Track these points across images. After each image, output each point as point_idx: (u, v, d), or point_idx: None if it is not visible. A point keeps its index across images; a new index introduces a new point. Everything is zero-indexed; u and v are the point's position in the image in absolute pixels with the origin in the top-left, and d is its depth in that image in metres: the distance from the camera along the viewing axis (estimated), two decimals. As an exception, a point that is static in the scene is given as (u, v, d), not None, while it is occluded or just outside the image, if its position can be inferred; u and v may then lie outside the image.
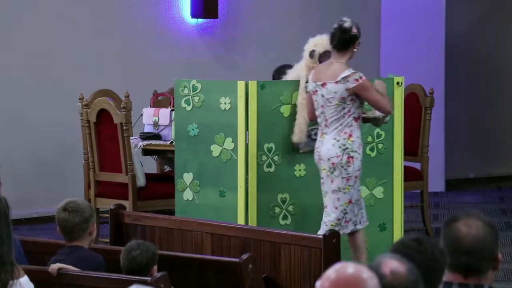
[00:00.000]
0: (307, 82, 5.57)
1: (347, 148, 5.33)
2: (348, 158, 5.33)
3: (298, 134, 5.60)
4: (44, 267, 4.37)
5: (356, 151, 5.35)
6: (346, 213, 5.39)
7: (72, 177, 7.74)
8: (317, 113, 5.44)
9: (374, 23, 8.94)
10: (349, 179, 5.34)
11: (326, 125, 5.38)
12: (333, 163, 5.34)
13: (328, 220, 5.38)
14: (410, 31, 8.80)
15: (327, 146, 5.35)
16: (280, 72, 6.44)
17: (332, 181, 5.36)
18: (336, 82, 5.34)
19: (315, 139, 5.64)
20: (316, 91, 5.43)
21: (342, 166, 5.32)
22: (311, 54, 5.63)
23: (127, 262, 4.23)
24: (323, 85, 5.39)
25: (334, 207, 5.37)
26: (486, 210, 8.26)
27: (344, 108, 5.34)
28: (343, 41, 5.37)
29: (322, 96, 5.40)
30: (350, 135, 5.33)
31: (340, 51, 5.38)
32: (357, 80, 5.33)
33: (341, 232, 5.01)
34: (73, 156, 7.72)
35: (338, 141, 5.33)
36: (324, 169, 5.38)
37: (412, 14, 8.69)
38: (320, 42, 5.63)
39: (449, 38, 9.00)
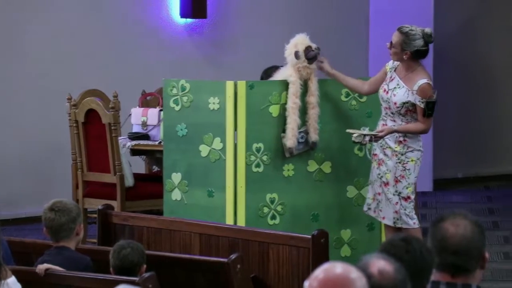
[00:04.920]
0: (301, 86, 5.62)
1: None
2: None
3: (292, 139, 5.62)
4: (31, 267, 4.36)
5: None
6: None
7: (60, 177, 7.72)
8: None
9: (362, 23, 8.96)
10: None
11: None
12: None
13: None
14: (399, 31, 8.80)
15: None
16: (268, 73, 6.44)
17: None
18: None
19: (302, 142, 5.66)
20: None
21: None
22: (296, 56, 5.64)
23: (118, 261, 4.22)
24: None
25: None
26: (473, 209, 8.28)
27: None
28: None
29: None
30: None
31: None
32: None
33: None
34: (61, 156, 7.70)
35: None
36: None
37: (400, 14, 8.70)
38: (299, 40, 5.66)
39: (437, 40, 9.00)
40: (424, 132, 5.64)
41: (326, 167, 5.83)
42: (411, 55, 5.59)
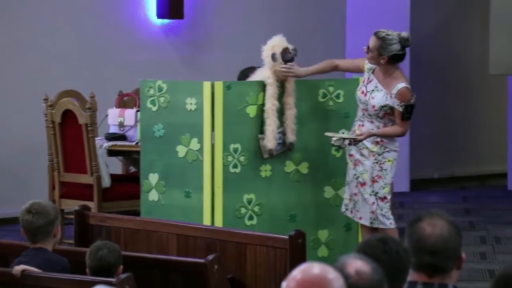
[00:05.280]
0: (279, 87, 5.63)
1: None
2: None
3: (273, 140, 5.63)
4: (8, 268, 4.34)
5: None
6: None
7: (36, 178, 7.69)
8: None
9: (339, 23, 8.98)
10: None
11: None
12: None
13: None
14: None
15: None
16: (245, 73, 6.44)
17: None
18: None
19: (280, 143, 5.68)
20: None
21: None
22: (273, 58, 5.65)
23: (95, 262, 4.21)
24: None
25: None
26: (450, 210, 8.31)
27: None
28: None
29: None
30: None
31: None
32: None
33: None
34: (38, 157, 7.66)
35: None
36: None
37: (377, 15, 8.73)
38: (277, 42, 5.67)
39: (414, 41, 9.04)
40: (402, 135, 5.69)
41: (303, 168, 5.84)
42: (388, 59, 5.62)
